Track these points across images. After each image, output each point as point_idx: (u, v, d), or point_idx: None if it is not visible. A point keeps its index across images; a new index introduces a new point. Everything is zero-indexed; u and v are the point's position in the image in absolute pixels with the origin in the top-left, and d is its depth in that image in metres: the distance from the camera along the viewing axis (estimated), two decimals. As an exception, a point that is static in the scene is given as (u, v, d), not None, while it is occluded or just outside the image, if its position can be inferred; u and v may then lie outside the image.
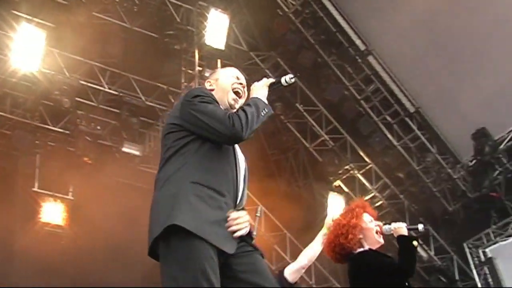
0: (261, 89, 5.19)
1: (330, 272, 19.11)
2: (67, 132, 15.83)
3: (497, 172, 18.82)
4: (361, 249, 6.51)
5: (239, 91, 5.19)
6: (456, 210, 19.09)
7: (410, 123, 19.15)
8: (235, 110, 5.02)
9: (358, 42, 18.28)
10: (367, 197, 18.85)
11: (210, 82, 5.33)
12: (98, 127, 16.07)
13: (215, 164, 4.81)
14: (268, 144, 19.43)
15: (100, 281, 15.04)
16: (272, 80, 5.31)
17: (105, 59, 16.02)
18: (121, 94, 16.13)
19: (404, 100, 18.93)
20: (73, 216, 15.90)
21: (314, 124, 18.75)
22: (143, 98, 16.35)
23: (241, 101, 5.20)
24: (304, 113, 18.69)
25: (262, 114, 4.94)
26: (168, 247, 4.51)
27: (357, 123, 18.72)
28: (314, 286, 18.88)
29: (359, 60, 18.51)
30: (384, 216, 18.82)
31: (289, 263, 18.04)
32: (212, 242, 4.46)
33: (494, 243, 18.85)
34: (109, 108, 16.27)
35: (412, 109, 19.00)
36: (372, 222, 6.64)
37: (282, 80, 5.24)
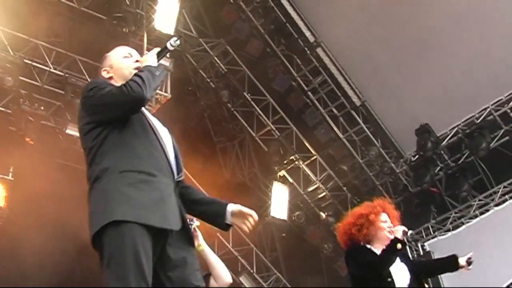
0: (150, 58, 5.28)
1: (271, 261, 19.27)
2: (9, 111, 15.44)
3: (438, 168, 19.10)
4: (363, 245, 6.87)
5: (139, 66, 5.18)
6: (397, 203, 18.55)
7: (356, 116, 19.13)
8: None
9: (307, 34, 18.12)
10: (311, 188, 19.35)
11: (106, 70, 5.35)
12: (42, 108, 15.77)
13: (137, 147, 4.83)
14: (214, 132, 19.35)
15: (38, 262, 14.75)
16: (158, 48, 5.46)
17: (51, 38, 15.69)
18: (66, 75, 15.56)
19: (350, 93, 18.85)
20: (13, 197, 15.63)
21: (261, 113, 18.64)
22: (89, 79, 15.62)
23: None
24: (251, 102, 18.54)
25: (157, 74, 5.05)
26: (104, 240, 4.55)
27: (303, 114, 18.77)
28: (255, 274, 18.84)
29: (308, 52, 18.38)
30: (327, 207, 19.37)
31: (231, 251, 18.20)
32: (153, 224, 4.51)
33: (433, 238, 19.13)
34: (53, 89, 15.79)
35: (358, 103, 18.96)
36: (386, 223, 6.88)
37: (168, 44, 5.39)
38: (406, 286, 6.69)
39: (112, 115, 4.82)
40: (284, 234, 19.46)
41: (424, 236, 19.23)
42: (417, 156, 19.23)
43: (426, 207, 19.57)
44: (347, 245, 7.02)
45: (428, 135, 18.21)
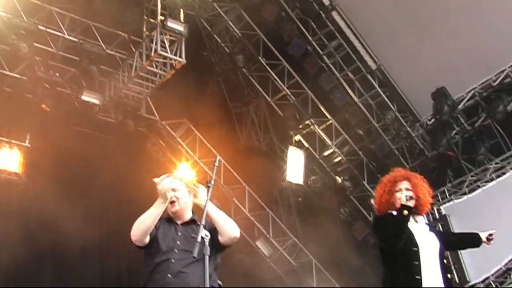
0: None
1: (287, 225, 19.30)
2: (24, 78, 15.47)
3: (454, 131, 19.09)
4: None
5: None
6: (414, 168, 18.91)
7: (372, 80, 19.12)
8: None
9: None
10: (327, 153, 19.49)
11: None
12: (57, 74, 15.70)
13: None
14: (230, 97, 19.24)
15: (54, 228, 14.68)
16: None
17: (65, 4, 15.62)
18: (81, 41, 15.70)
19: (366, 57, 18.79)
20: (30, 163, 15.72)
21: (276, 78, 18.64)
22: (103, 46, 16.01)
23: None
24: (266, 67, 18.51)
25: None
26: None
27: (318, 78, 18.60)
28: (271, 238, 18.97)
29: (323, 15, 18.28)
30: (342, 171, 19.45)
31: (248, 216, 18.20)
32: None
33: (449, 201, 19.28)
34: (68, 55, 15.92)
35: (374, 66, 18.90)
36: (401, 191, 6.62)
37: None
38: (436, 255, 6.51)
39: None
40: (300, 199, 19.46)
41: (440, 200, 19.23)
42: (433, 120, 19.16)
43: (442, 171, 19.54)
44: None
45: (445, 99, 18.07)
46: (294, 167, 18.61)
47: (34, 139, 15.82)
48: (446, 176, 19.52)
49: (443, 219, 19.08)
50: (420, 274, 6.33)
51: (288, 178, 18.58)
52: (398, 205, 6.54)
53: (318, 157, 19.38)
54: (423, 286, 6.30)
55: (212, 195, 6.25)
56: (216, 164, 6.68)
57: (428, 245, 6.51)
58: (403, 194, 6.55)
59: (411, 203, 6.47)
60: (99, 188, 15.84)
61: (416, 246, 6.42)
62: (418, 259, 6.38)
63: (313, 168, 19.32)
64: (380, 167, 18.65)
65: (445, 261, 6.67)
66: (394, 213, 6.57)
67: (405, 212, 6.41)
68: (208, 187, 6.25)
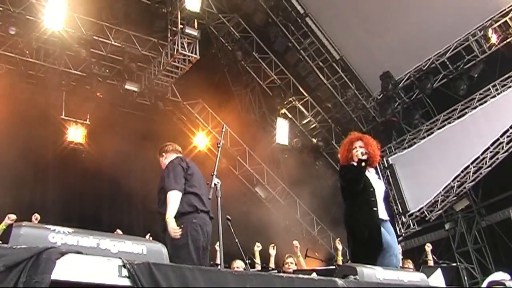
0: None
1: (277, 175, 20.00)
2: (84, 74, 16.15)
3: (397, 103, 19.75)
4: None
5: None
6: (368, 130, 19.55)
7: (336, 67, 19.54)
8: None
9: (299, 7, 18.59)
10: (305, 121, 19.94)
11: None
12: (107, 71, 16.45)
13: None
14: (232, 82, 19.62)
15: (108, 182, 15.82)
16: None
17: (111, 20, 16.17)
18: (123, 46, 16.29)
19: (331, 50, 19.29)
20: (90, 136, 16.42)
21: (266, 67, 19.16)
22: (139, 48, 16.52)
23: None
24: (259, 59, 19.01)
25: None
26: None
27: (297, 67, 19.18)
28: (266, 185, 19.76)
29: (299, 20, 18.77)
30: (317, 135, 19.96)
31: (248, 169, 18.65)
32: None
33: (394, 154, 19.92)
34: (114, 57, 16.48)
35: (337, 57, 19.38)
36: (356, 149, 6.92)
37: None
38: (382, 195, 6.91)
39: None
40: (286, 156, 19.87)
41: (388, 153, 19.93)
42: (381, 95, 19.77)
43: (389, 132, 20.34)
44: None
45: (389, 79, 18.89)
46: (281, 132, 18.90)
47: (93, 118, 16.42)
48: (391, 136, 20.26)
49: (390, 167, 19.63)
50: (376, 207, 6.70)
51: (277, 140, 18.92)
52: (356, 159, 6.80)
53: (298, 124, 19.85)
54: (378, 215, 6.66)
55: (221, 153, 6.94)
56: (223, 130, 7.26)
57: (378, 188, 6.86)
58: (359, 151, 6.84)
59: (365, 157, 6.77)
60: (139, 153, 15.95)
61: (372, 187, 6.78)
62: (374, 196, 6.75)
63: (295, 133, 19.67)
64: (344, 130, 18.87)
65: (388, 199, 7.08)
66: (354, 163, 6.83)
67: (363, 164, 6.74)
68: (218, 147, 6.91)
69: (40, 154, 15.52)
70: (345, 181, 6.98)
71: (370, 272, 5.11)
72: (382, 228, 6.67)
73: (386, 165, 19.83)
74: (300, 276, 4.29)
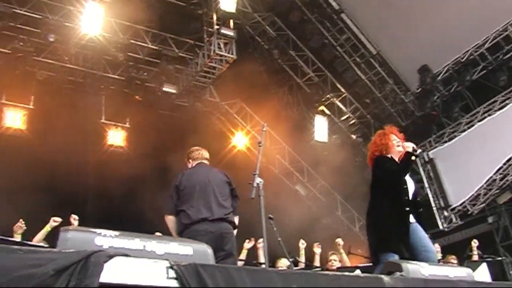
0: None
1: (317, 172, 20.00)
2: (123, 78, 16.33)
3: (436, 96, 19.49)
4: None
5: None
6: (407, 125, 19.59)
7: (373, 62, 19.42)
8: None
9: (333, 3, 18.46)
10: (343, 118, 19.87)
11: None
12: (145, 73, 16.55)
13: None
14: (270, 81, 19.43)
15: (149, 182, 15.59)
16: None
17: (147, 23, 16.31)
18: (160, 49, 16.47)
19: (368, 46, 19.18)
20: (130, 139, 16.62)
21: (303, 64, 19.10)
22: (176, 50, 16.66)
23: None
24: (295, 57, 18.93)
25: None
26: None
27: (334, 63, 19.12)
28: (306, 183, 19.75)
29: (335, 17, 18.65)
30: (356, 131, 19.93)
31: (288, 168, 18.58)
32: None
33: (434, 148, 19.65)
34: (151, 59, 16.71)
35: (374, 52, 19.28)
36: (395, 140, 6.82)
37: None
38: (411, 194, 6.68)
39: None
40: (325, 153, 19.62)
41: (428, 148, 19.70)
42: (420, 89, 19.59)
43: (428, 126, 20.09)
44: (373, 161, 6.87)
45: (427, 73, 18.76)
46: (320, 129, 18.92)
47: (132, 121, 16.63)
48: (431, 130, 20.02)
49: (431, 161, 19.38)
50: (408, 206, 6.52)
51: (316, 138, 18.92)
52: (394, 151, 6.70)
53: (337, 121, 19.81)
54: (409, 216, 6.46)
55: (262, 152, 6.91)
56: (264, 129, 7.38)
57: (409, 186, 6.67)
58: (407, 144, 6.73)
59: (418, 152, 6.71)
60: (179, 154, 15.75)
61: (406, 184, 6.61)
62: (408, 195, 6.58)
63: (334, 129, 19.61)
64: (383, 126, 18.58)
65: (418, 198, 6.87)
66: (390, 156, 6.70)
67: (413, 157, 6.60)
68: (259, 146, 6.97)
69: (81, 158, 15.68)
70: (384, 172, 6.65)
71: (415, 268, 5.03)
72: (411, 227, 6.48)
73: (427, 159, 19.62)
74: (346, 273, 4.27)
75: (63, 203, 13.77)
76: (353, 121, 20.15)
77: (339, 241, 11.78)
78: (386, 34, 18.76)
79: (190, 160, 7.70)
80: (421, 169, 19.43)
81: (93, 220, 12.89)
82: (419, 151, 6.77)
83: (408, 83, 20.01)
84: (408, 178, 6.76)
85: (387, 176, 6.62)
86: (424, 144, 19.48)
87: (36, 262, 3.07)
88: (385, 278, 4.41)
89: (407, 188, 6.62)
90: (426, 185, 19.36)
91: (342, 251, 11.68)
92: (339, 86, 19.72)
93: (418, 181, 19.31)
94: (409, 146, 6.71)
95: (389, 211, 6.44)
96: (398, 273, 4.78)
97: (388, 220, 6.40)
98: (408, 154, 6.63)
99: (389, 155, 6.76)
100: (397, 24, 18.16)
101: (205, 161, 7.75)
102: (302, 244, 11.49)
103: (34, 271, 3.01)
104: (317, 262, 11.37)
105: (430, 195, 19.21)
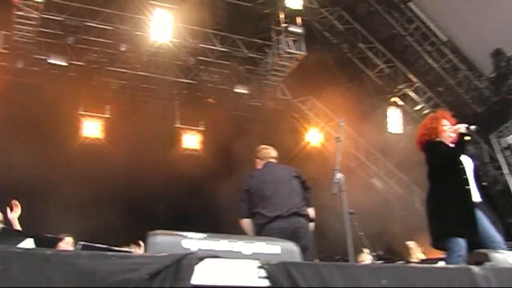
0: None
1: (394, 165, 19.79)
2: (194, 82, 16.68)
3: (510, 80, 18.92)
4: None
5: None
6: (483, 111, 19.24)
7: (445, 49, 19.09)
8: None
9: None
10: (417, 108, 19.52)
11: None
12: (216, 76, 16.85)
13: None
14: (340, 76, 19.33)
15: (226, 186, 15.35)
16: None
17: (215, 26, 16.59)
18: (229, 50, 16.70)
19: (438, 33, 18.88)
20: (205, 141, 16.92)
21: (373, 57, 18.96)
22: (245, 51, 16.86)
23: None
24: (365, 50, 18.82)
25: None
26: None
27: (405, 53, 18.96)
28: (382, 176, 19.63)
29: (402, 6, 18.47)
30: None
31: (363, 161, 18.38)
32: None
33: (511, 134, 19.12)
34: (222, 62, 16.91)
35: (445, 39, 18.95)
36: (446, 126, 6.67)
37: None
38: (471, 171, 6.50)
39: None
40: (401, 144, 19.05)
41: (505, 133, 19.20)
42: (494, 73, 19.16)
43: (505, 111, 19.38)
44: (422, 146, 6.77)
45: (501, 57, 18.37)
46: (394, 121, 18.78)
47: (206, 124, 16.95)
48: (507, 115, 19.29)
49: (509, 147, 18.90)
50: (468, 185, 6.32)
51: (390, 129, 18.78)
52: (445, 137, 6.55)
53: (411, 111, 19.48)
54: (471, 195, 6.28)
55: (336, 147, 7.04)
56: (342, 124, 7.51)
57: (467, 164, 6.48)
58: (459, 126, 6.53)
59: (473, 127, 6.50)
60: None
61: (462, 164, 6.42)
62: (465, 174, 6.37)
63: (408, 120, 19.21)
64: (458, 113, 17.26)
65: (480, 173, 6.63)
66: (441, 140, 6.56)
67: (467, 137, 6.43)
68: (338, 141, 7.12)
69: (157, 163, 16.08)
70: (437, 156, 6.55)
71: (501, 257, 4.87)
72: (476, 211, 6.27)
73: (504, 145, 19.22)
74: (434, 265, 4.21)
75: (140, 208, 14.77)
76: (427, 110, 19.36)
77: (410, 244, 11.29)
78: (456, 19, 18.33)
79: (258, 160, 7.74)
80: (498, 156, 19.05)
81: (172, 223, 13.59)
82: (473, 127, 6.52)
83: (481, 68, 19.58)
84: (464, 157, 6.58)
85: (440, 159, 6.53)
86: (502, 129, 19.12)
87: (131, 267, 3.16)
88: (475, 268, 4.32)
89: (463, 167, 6.44)
90: (506, 171, 18.86)
91: (415, 252, 11.22)
92: (410, 76, 19.42)
93: (496, 168, 19.03)
94: (461, 127, 6.54)
95: (450, 193, 6.33)
96: (487, 263, 4.67)
97: (450, 202, 6.29)
98: (461, 135, 6.49)
99: (438, 139, 6.63)
100: (467, 8, 17.67)
101: (273, 160, 7.78)
102: (410, 244, 11.20)
103: (129, 276, 3.10)
104: (415, 259, 11.01)
105: (510, 182, 18.69)
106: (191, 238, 3.66)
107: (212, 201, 15.29)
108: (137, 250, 8.49)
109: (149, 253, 3.46)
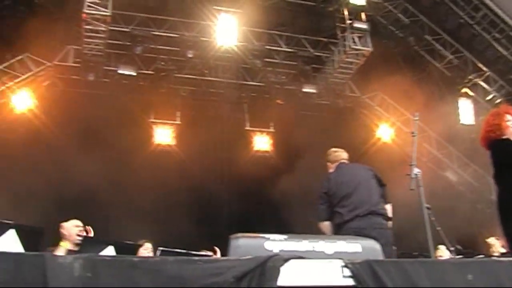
0: None
1: (466, 157, 19.38)
2: (262, 84, 16.76)
3: None
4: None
5: None
6: None
7: None
8: None
9: None
10: (489, 97, 19.08)
11: None
12: (283, 77, 16.89)
13: None
14: (408, 69, 18.96)
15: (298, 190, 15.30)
16: None
17: (279, 27, 16.68)
18: (295, 50, 16.71)
19: (507, 19, 18.27)
20: (275, 142, 16.95)
21: (441, 48, 18.64)
22: (311, 50, 16.86)
23: None
24: (432, 41, 18.52)
25: None
26: None
27: (473, 42, 18.58)
28: (456, 168, 19.29)
29: None
30: None
31: (435, 155, 17.98)
32: None
33: None
34: (288, 62, 16.95)
35: None
36: (510, 121, 6.29)
37: None
38: None
39: None
40: (473, 135, 18.11)
41: None
42: None
43: None
44: (487, 143, 6.34)
45: None
46: (465, 112, 18.45)
47: (276, 125, 16.99)
48: None
49: None
50: None
51: (462, 121, 18.44)
52: (510, 133, 6.19)
53: (482, 101, 19.04)
54: None
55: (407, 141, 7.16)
56: (416, 119, 7.54)
57: None
58: None
59: None
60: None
61: None
62: None
63: (480, 111, 18.65)
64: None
65: None
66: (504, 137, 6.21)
67: None
68: (413, 136, 7.12)
69: (229, 166, 16.37)
70: (509, 155, 6.09)
71: None
72: None
73: None
74: (520, 259, 4.08)
75: (211, 212, 15.08)
76: (499, 99, 19.19)
77: (491, 240, 10.87)
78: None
79: (329, 163, 7.77)
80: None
81: (246, 226, 13.29)
82: None
83: (554, 53, 18.89)
84: None
85: (508, 157, 6.11)
86: None
87: (216, 271, 3.23)
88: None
89: None
90: None
91: (497, 248, 10.91)
92: (480, 65, 19.03)
93: None
94: None
95: None
96: None
97: None
98: None
99: (504, 136, 6.23)
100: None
101: (345, 161, 7.80)
102: (491, 241, 10.94)
103: (216, 279, 3.18)
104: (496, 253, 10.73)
105: None
106: (273, 240, 3.72)
107: (283, 203, 15.26)
108: (214, 257, 8.54)
109: (233, 257, 3.51)
